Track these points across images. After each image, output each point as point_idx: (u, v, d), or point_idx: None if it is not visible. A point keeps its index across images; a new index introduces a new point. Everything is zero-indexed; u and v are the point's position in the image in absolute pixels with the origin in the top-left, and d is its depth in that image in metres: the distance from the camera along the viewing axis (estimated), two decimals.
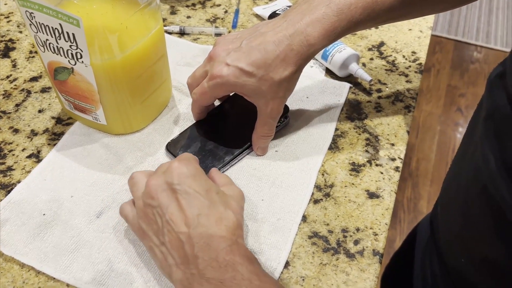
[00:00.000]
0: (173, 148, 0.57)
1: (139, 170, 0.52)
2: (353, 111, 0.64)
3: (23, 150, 0.58)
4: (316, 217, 0.52)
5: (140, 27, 0.52)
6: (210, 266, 0.40)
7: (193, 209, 0.43)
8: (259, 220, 0.52)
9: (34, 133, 0.60)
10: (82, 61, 0.50)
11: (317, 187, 0.55)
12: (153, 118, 0.61)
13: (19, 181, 0.55)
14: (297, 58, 0.51)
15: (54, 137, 0.60)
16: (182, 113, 0.62)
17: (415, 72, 0.70)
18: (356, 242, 0.50)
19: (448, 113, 2.01)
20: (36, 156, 0.57)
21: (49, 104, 0.64)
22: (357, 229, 0.51)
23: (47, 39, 0.50)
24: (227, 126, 0.60)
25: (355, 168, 0.57)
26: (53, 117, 0.62)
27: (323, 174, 0.56)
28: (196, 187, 0.44)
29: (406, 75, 0.69)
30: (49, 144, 0.59)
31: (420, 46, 0.74)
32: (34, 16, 0.49)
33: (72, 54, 0.50)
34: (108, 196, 0.53)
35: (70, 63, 0.51)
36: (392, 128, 0.62)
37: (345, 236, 0.51)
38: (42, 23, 0.49)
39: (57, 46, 0.50)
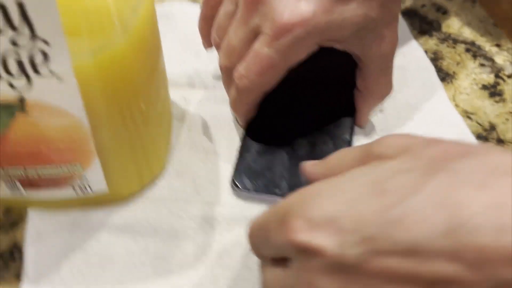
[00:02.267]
0: (250, 184, 0.30)
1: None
2: (417, 22, 0.44)
3: None
4: None
5: None
6: None
7: None
8: None
9: None
10: (50, 69, 0.21)
11: (479, 136, 0.35)
12: (169, 140, 0.33)
13: None
14: None
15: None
16: (211, 116, 0.35)
17: None
18: None
19: None
20: None
21: None
22: None
23: None
24: (303, 109, 0.35)
25: (494, 92, 0.38)
26: None
27: (469, 117, 0.36)
28: None
29: None
30: None
31: None
32: None
33: (19, 57, 0.20)
34: None
35: (12, 86, 0.21)
36: (475, 26, 0.44)
37: None
38: None
39: None
